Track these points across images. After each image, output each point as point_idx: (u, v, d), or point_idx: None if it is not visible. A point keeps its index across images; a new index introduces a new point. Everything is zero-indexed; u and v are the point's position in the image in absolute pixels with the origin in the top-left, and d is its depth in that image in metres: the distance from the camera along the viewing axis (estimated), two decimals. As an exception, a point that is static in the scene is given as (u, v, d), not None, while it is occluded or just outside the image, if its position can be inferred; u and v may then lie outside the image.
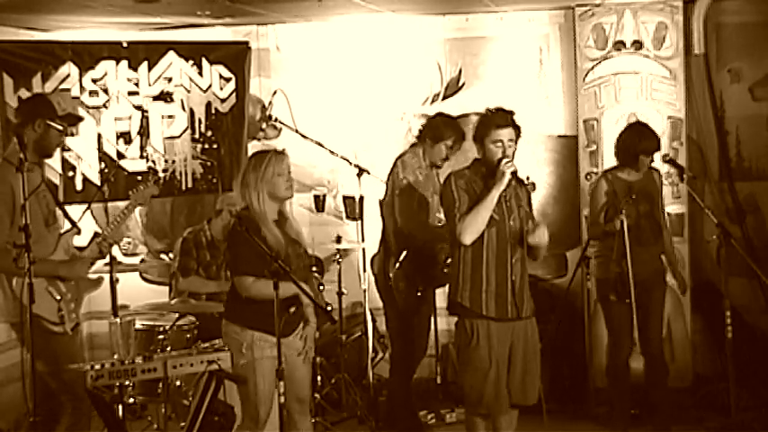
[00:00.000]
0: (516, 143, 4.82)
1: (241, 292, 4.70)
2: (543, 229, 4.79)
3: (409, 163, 5.92)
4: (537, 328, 4.95)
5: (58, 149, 6.34)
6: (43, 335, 4.74)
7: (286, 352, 4.68)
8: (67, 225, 5.20)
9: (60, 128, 5.02)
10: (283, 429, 4.58)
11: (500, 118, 4.79)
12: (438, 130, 5.88)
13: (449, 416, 6.52)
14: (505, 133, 4.76)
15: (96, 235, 5.16)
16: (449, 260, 5.96)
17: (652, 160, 5.84)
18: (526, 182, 4.74)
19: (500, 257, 4.79)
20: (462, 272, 4.84)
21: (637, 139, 5.80)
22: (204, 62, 7.06)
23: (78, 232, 5.17)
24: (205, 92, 7.08)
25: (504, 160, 4.71)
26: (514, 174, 4.71)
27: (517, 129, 4.81)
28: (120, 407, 5.05)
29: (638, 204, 5.80)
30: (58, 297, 4.91)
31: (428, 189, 5.93)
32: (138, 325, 5.92)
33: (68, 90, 6.57)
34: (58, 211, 5.18)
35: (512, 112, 4.82)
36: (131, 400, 5.67)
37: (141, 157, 6.87)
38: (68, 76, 6.57)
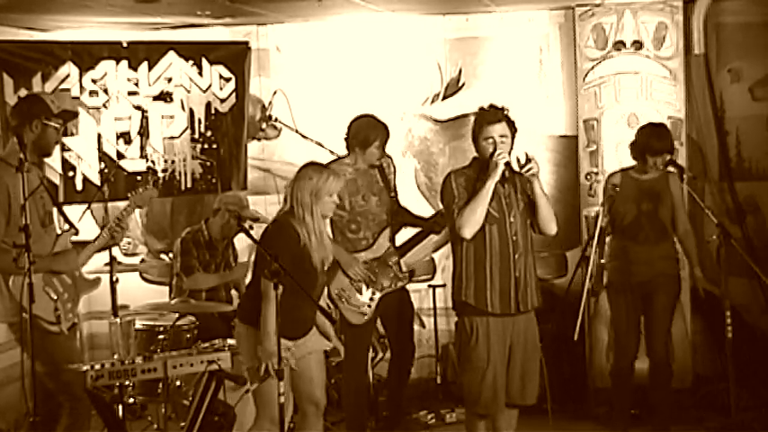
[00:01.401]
0: (512, 139, 4.83)
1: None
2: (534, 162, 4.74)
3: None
4: (536, 325, 4.96)
5: (59, 149, 6.38)
6: (39, 335, 4.73)
7: (297, 354, 4.67)
8: (65, 226, 5.21)
9: (57, 126, 5.02)
10: (283, 429, 4.58)
11: (491, 115, 4.82)
12: (360, 135, 5.75)
13: (449, 416, 6.52)
14: (497, 129, 4.78)
15: (105, 223, 5.16)
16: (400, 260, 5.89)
17: (664, 162, 5.83)
18: (527, 158, 4.71)
19: (502, 254, 4.81)
20: (465, 270, 4.85)
21: (647, 137, 5.83)
22: (204, 62, 7.06)
23: (76, 233, 5.17)
24: (205, 92, 7.07)
25: (498, 151, 4.73)
26: (508, 165, 4.73)
27: (511, 124, 4.82)
28: (120, 407, 5.06)
29: (640, 202, 5.81)
30: (55, 297, 4.91)
31: (363, 187, 5.82)
32: (138, 325, 5.92)
33: (68, 90, 6.57)
34: (55, 212, 5.17)
35: (503, 109, 4.84)
36: (131, 400, 5.67)
37: (141, 157, 6.87)
38: (68, 76, 6.56)
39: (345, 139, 5.84)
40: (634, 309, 5.87)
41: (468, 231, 4.74)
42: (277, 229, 4.69)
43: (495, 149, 4.75)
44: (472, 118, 4.96)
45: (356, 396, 5.95)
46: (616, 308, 5.94)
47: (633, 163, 5.91)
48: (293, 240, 4.63)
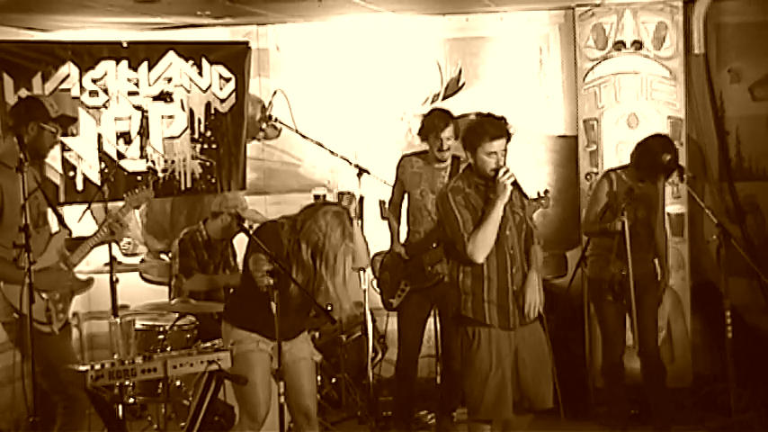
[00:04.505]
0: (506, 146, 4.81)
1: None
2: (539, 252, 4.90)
3: (406, 162, 6.13)
4: (542, 329, 4.92)
5: (59, 149, 6.39)
6: (32, 335, 4.73)
7: (284, 358, 4.66)
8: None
9: (54, 130, 5.01)
10: (283, 429, 4.58)
11: (495, 128, 4.70)
12: (428, 124, 5.95)
13: (449, 416, 6.51)
14: (500, 144, 4.70)
15: (106, 219, 5.16)
16: (435, 265, 5.96)
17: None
18: (542, 195, 4.75)
19: (500, 268, 4.78)
20: (463, 283, 4.81)
21: (660, 150, 5.74)
22: (204, 62, 7.06)
23: (69, 234, 5.17)
24: (205, 92, 7.07)
25: (502, 171, 4.65)
26: (514, 183, 4.69)
27: (508, 135, 4.78)
28: (120, 407, 5.06)
29: (636, 209, 5.80)
30: (46, 297, 4.91)
31: (424, 182, 5.99)
32: (138, 325, 5.93)
33: (68, 90, 6.57)
34: (49, 213, 5.17)
35: (504, 120, 4.77)
36: (131, 400, 5.68)
37: (141, 157, 6.87)
38: (68, 76, 6.56)
39: (419, 132, 6.03)
40: (622, 307, 5.87)
41: (481, 256, 4.71)
42: (262, 231, 4.70)
43: (497, 165, 4.68)
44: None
45: (404, 384, 6.17)
46: (602, 306, 5.94)
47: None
48: (274, 244, 4.62)
